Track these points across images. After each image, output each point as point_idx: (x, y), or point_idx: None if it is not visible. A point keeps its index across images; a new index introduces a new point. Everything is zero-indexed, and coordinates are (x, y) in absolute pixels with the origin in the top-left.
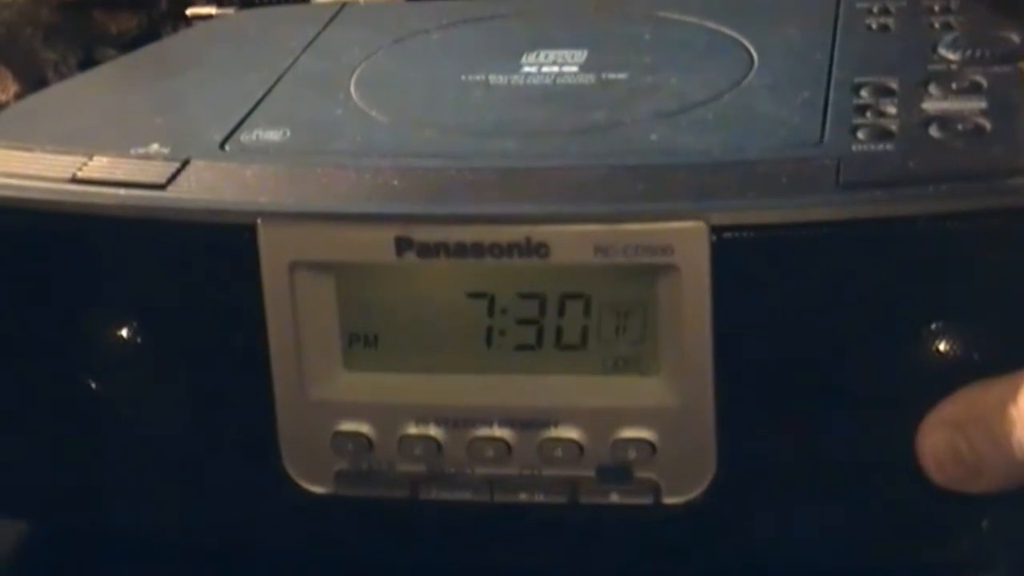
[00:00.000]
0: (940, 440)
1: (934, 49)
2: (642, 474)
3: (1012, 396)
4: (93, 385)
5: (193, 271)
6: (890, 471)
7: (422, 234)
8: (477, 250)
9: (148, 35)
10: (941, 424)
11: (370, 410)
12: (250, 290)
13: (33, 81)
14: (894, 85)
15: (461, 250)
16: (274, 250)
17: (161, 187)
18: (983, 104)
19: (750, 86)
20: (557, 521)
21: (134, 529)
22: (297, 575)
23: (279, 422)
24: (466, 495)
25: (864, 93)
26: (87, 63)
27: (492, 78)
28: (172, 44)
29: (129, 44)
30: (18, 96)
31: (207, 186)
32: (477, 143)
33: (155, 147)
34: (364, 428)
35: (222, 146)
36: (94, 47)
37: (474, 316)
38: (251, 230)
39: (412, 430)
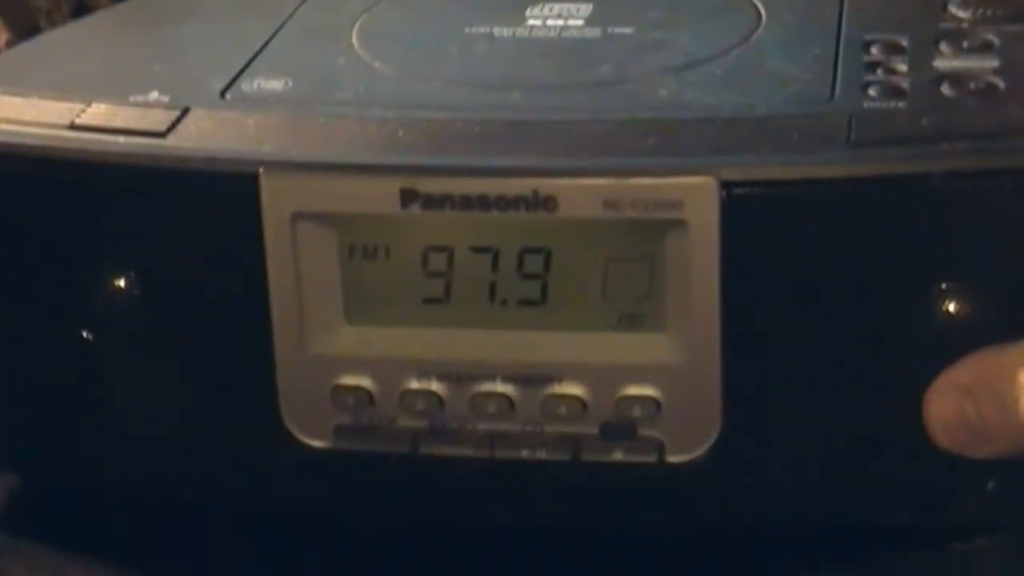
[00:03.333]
0: (948, 405)
1: (944, 7)
2: (646, 432)
3: (1022, 363)
4: (89, 336)
5: (193, 221)
6: (897, 432)
7: (428, 186)
8: (483, 203)
9: None
10: (950, 389)
11: (371, 364)
12: (251, 241)
13: (24, 29)
14: (904, 43)
15: (467, 202)
16: (276, 201)
17: (162, 135)
18: (995, 63)
19: (758, 42)
20: (559, 478)
21: (130, 484)
22: (295, 530)
23: (278, 375)
24: (467, 451)
25: (874, 50)
26: (80, 11)
27: (496, 30)
28: None
29: None
30: (9, 44)
31: (208, 135)
32: (482, 96)
33: (155, 95)
34: (365, 382)
35: (223, 95)
36: None
37: (478, 270)
38: (253, 180)
39: (414, 384)
